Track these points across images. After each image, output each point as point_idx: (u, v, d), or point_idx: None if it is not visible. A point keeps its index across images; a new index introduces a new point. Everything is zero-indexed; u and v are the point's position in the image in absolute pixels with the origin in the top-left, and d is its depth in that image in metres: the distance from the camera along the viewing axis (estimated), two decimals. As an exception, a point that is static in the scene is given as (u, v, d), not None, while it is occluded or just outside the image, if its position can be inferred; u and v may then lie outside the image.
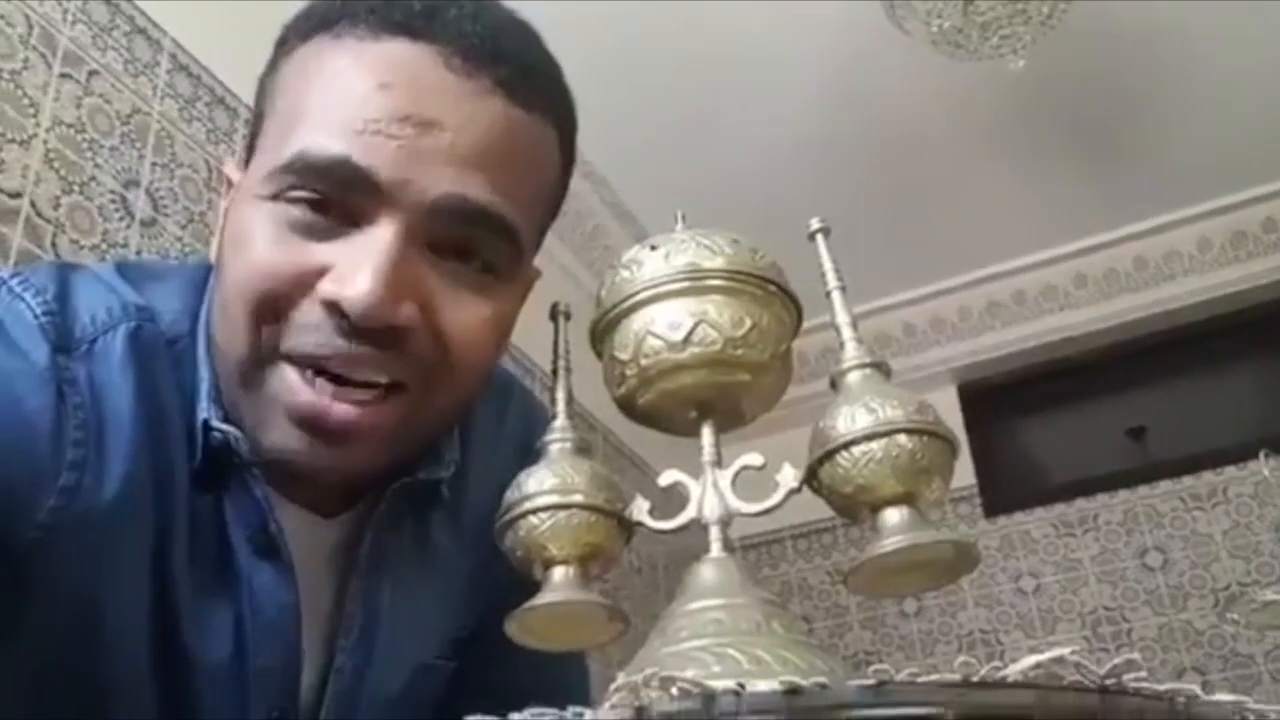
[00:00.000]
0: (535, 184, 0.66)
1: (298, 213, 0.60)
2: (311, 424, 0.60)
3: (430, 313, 0.61)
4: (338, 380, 0.59)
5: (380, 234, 0.59)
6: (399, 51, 0.61)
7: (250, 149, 0.67)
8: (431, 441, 0.70)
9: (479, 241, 0.62)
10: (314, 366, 0.59)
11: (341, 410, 0.59)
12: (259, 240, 0.60)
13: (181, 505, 0.62)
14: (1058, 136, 2.77)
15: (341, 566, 0.70)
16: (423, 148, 0.59)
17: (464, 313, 0.62)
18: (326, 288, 0.58)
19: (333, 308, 0.58)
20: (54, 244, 1.42)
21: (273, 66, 0.67)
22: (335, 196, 0.59)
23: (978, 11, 2.04)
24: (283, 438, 0.61)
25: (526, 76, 0.64)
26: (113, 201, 1.54)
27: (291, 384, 0.60)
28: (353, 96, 0.60)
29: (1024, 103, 2.63)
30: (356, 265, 0.58)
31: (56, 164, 1.46)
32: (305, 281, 0.59)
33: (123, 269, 0.68)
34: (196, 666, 0.62)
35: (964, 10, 2.04)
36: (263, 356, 0.60)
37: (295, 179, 0.60)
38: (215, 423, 0.63)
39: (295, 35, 0.66)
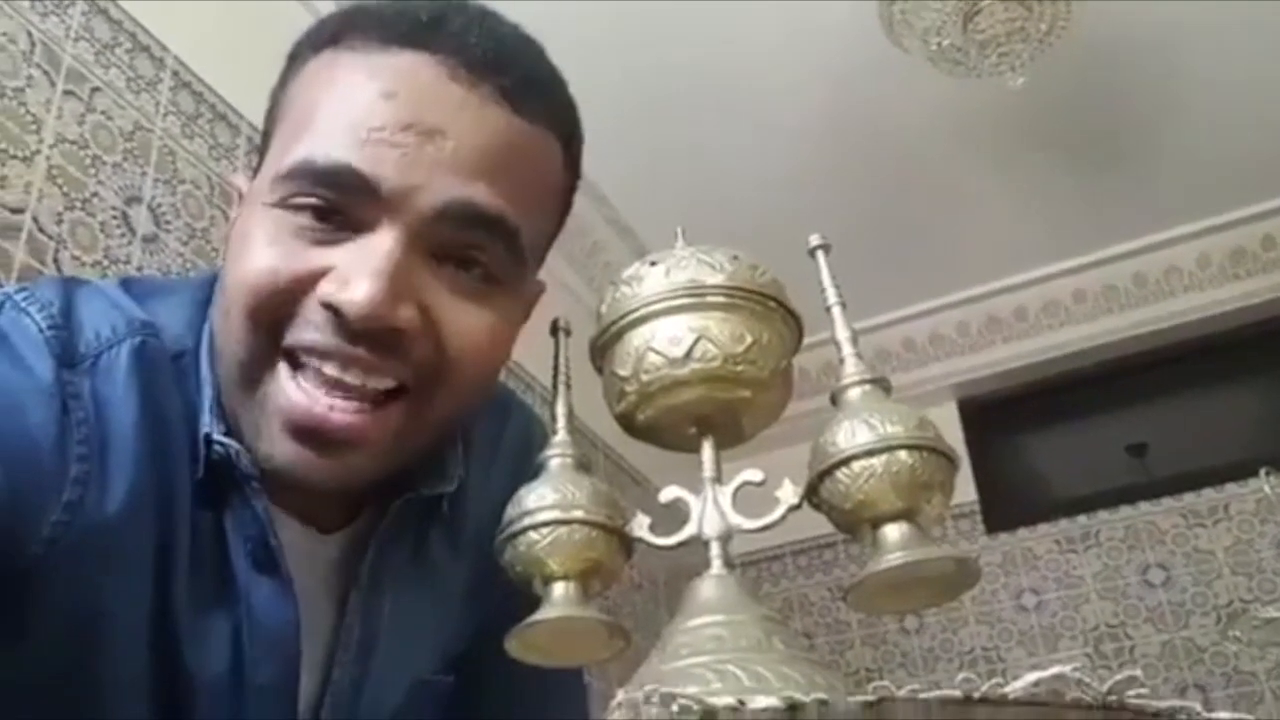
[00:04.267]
0: (537, 193, 0.67)
1: (300, 219, 0.61)
2: (307, 433, 0.60)
3: (430, 318, 0.61)
4: (334, 384, 0.60)
5: (381, 240, 0.59)
6: (404, 62, 0.62)
7: (260, 161, 0.68)
8: (429, 451, 0.69)
9: (481, 248, 0.63)
10: (311, 364, 0.60)
11: (339, 418, 0.59)
12: (260, 244, 0.61)
13: (183, 520, 0.62)
14: (1057, 153, 2.78)
15: (341, 582, 0.70)
16: (425, 156, 0.60)
17: (464, 319, 0.62)
18: (326, 290, 0.59)
19: (332, 310, 0.59)
20: (56, 260, 1.43)
21: (284, 79, 0.68)
22: (338, 203, 0.60)
23: (977, 29, 2.05)
24: (278, 448, 0.61)
25: (529, 87, 0.65)
26: (115, 218, 1.54)
27: (287, 388, 0.60)
28: (357, 105, 0.61)
29: (1023, 119, 2.64)
30: (357, 269, 0.58)
31: (59, 180, 1.47)
32: (305, 284, 0.60)
33: (127, 284, 0.68)
34: (195, 680, 0.62)
35: (963, 28, 2.05)
36: (261, 356, 0.61)
37: (298, 185, 0.60)
38: (217, 436, 0.63)
39: (308, 48, 0.67)
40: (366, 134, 0.60)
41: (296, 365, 0.60)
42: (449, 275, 0.62)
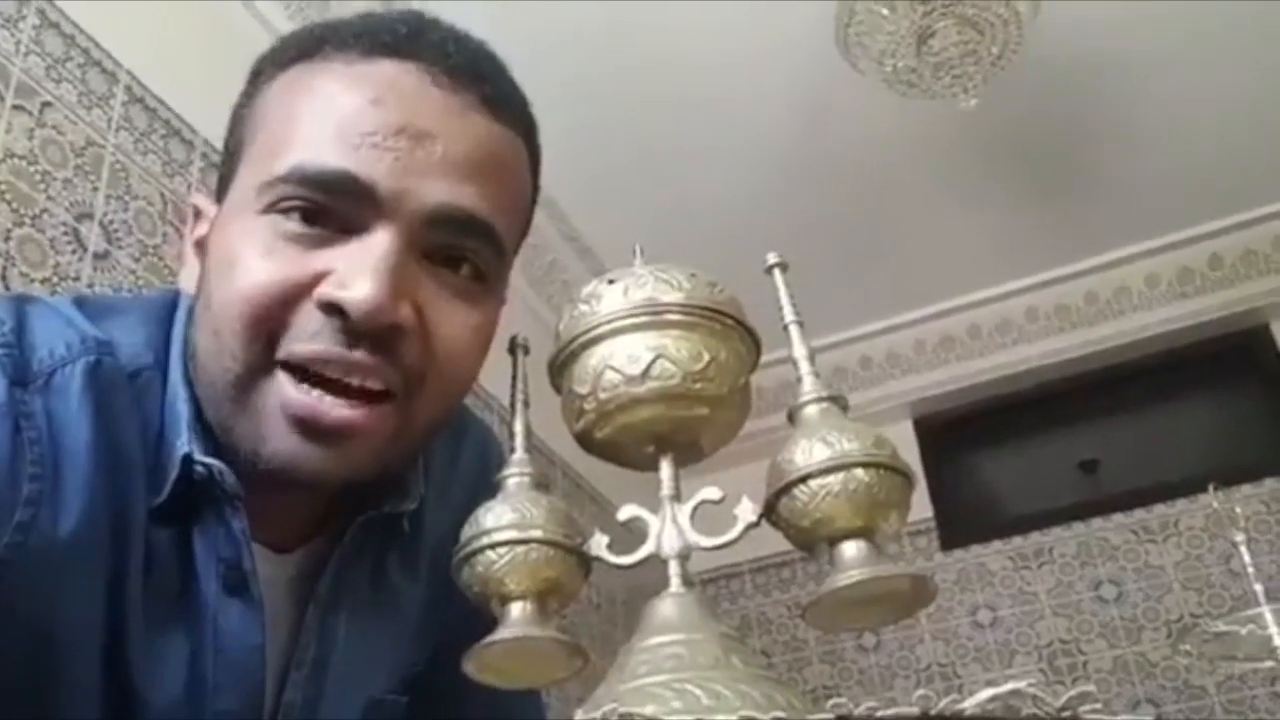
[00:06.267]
0: (515, 197, 0.68)
1: (292, 224, 0.61)
2: (309, 426, 0.60)
3: (423, 317, 0.62)
4: (333, 386, 0.60)
5: (378, 240, 0.60)
6: (387, 70, 0.63)
7: (225, 179, 0.68)
8: (416, 453, 0.70)
9: (468, 249, 0.64)
10: (310, 373, 0.60)
11: (338, 411, 0.60)
12: (253, 254, 0.61)
13: (138, 540, 0.61)
14: (1010, 174, 2.82)
15: (297, 601, 0.69)
16: (417, 160, 0.61)
17: (454, 319, 0.64)
18: (327, 291, 0.59)
19: (333, 309, 0.59)
20: (4, 277, 1.40)
21: (249, 96, 0.68)
22: (330, 206, 0.61)
23: (930, 52, 2.07)
24: (281, 443, 0.60)
25: (504, 96, 0.67)
26: (65, 234, 1.52)
27: (287, 390, 0.60)
28: (346, 112, 0.62)
29: (977, 140, 2.67)
30: (357, 269, 0.59)
31: (8, 196, 1.44)
32: (303, 288, 0.60)
33: (81, 302, 0.67)
34: (147, 706, 0.61)
35: (917, 51, 2.08)
36: (257, 368, 0.60)
37: (291, 189, 0.61)
38: (199, 456, 0.62)
39: (273, 65, 0.67)
40: (359, 139, 0.60)
41: (293, 373, 0.60)
42: (439, 275, 0.63)
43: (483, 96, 0.65)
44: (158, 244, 1.67)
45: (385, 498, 0.70)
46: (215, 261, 0.64)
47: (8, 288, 1.39)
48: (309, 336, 0.60)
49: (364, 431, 0.61)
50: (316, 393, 0.60)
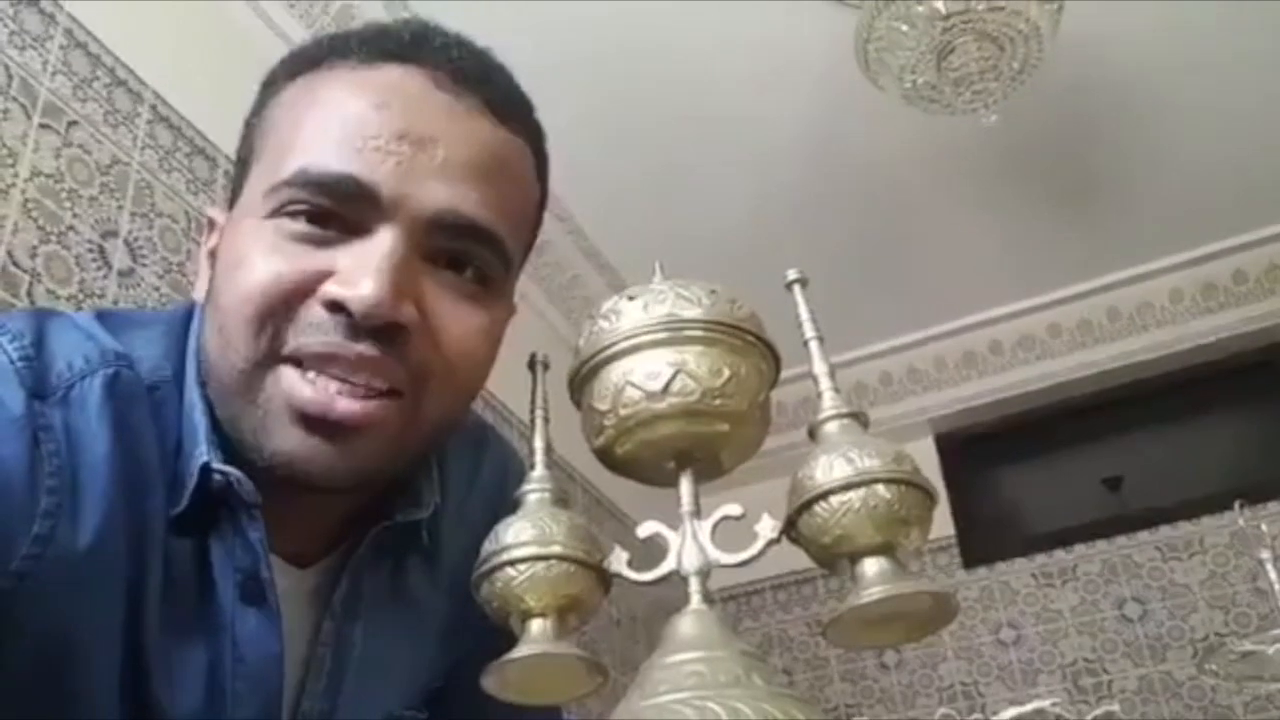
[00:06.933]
0: (519, 202, 0.69)
1: (298, 225, 0.62)
2: (315, 421, 0.60)
3: (428, 317, 0.62)
4: (339, 382, 0.60)
5: (381, 241, 0.61)
6: (391, 75, 0.64)
7: (236, 188, 0.69)
8: (425, 454, 0.70)
9: (471, 253, 0.65)
10: (316, 366, 0.60)
11: (345, 405, 0.60)
12: (259, 253, 0.62)
13: (156, 552, 0.61)
14: (1031, 189, 2.81)
15: (315, 613, 0.69)
16: (419, 164, 0.62)
17: (459, 319, 0.64)
18: (330, 289, 0.60)
19: (336, 307, 0.59)
20: (30, 294, 1.41)
21: (260, 107, 0.69)
22: (335, 209, 0.61)
23: (950, 68, 2.07)
24: (286, 439, 0.61)
25: (509, 101, 0.68)
26: (90, 251, 1.53)
27: (293, 382, 0.60)
28: (351, 117, 0.62)
29: (997, 156, 2.66)
30: (360, 268, 0.60)
31: (35, 213, 1.46)
32: (308, 286, 0.60)
33: (102, 316, 0.68)
34: (167, 717, 0.61)
35: (937, 67, 2.07)
36: (263, 362, 0.61)
37: (296, 192, 0.61)
38: (217, 465, 0.62)
39: (282, 76, 0.69)
40: (362, 142, 0.61)
41: (299, 366, 0.61)
42: (443, 277, 0.64)
43: (486, 101, 0.65)
44: (182, 261, 1.69)
45: (398, 507, 0.70)
46: (223, 264, 0.65)
47: (34, 303, 1.41)
48: (315, 330, 0.60)
49: (371, 426, 0.60)
50: (323, 380, 0.60)
